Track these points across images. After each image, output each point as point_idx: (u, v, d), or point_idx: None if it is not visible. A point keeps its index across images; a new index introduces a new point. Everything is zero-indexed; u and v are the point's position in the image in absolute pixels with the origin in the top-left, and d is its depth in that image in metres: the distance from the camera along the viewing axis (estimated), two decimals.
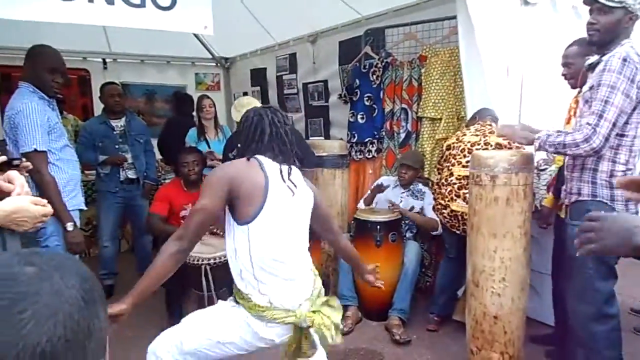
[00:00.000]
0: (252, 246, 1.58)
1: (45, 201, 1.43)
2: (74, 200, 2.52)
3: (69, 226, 2.38)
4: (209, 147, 4.06)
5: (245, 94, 5.91)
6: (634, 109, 1.91)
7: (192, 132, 4.22)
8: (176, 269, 1.54)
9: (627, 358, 2.13)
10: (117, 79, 5.09)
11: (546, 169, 2.89)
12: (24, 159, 1.66)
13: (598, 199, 1.98)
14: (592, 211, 1.96)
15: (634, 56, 1.88)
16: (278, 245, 1.61)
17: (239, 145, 1.71)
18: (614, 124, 1.88)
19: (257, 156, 1.66)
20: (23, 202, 1.35)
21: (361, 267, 2.10)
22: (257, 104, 3.28)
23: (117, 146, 3.73)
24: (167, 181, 4.28)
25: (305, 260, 1.74)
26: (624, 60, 1.86)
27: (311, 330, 1.66)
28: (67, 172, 2.48)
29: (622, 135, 1.94)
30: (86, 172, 4.17)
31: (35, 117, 2.26)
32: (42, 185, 2.30)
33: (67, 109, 4.68)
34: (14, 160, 1.59)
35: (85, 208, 2.64)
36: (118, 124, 3.77)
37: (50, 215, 1.43)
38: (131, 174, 3.79)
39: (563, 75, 2.55)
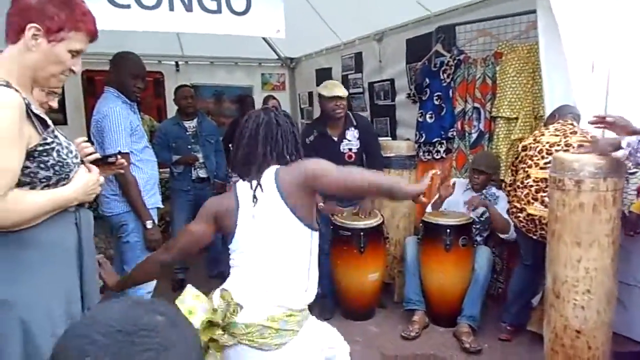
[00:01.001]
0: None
1: (91, 166, 1.48)
2: (153, 198, 2.64)
3: (149, 224, 2.50)
4: None
5: (310, 93, 5.97)
6: None
7: None
8: (157, 276, 1.72)
9: None
10: (188, 81, 5.31)
11: (636, 172, 2.66)
12: (119, 156, 1.76)
13: None
14: None
15: None
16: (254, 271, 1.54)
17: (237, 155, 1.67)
18: None
19: (236, 183, 1.64)
20: (83, 174, 1.41)
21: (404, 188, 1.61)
22: (341, 90, 3.30)
23: (189, 146, 3.90)
24: (233, 179, 4.40)
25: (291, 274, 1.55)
26: None
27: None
28: (146, 172, 2.60)
29: None
30: (161, 170, 4.36)
31: (120, 121, 2.40)
32: (125, 185, 2.44)
33: (143, 110, 4.91)
34: (109, 157, 1.71)
35: (162, 206, 2.77)
36: (190, 124, 3.94)
37: (102, 179, 1.49)
38: (202, 173, 3.95)
39: None
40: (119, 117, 2.40)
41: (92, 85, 4.94)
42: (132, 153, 2.50)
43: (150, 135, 4.48)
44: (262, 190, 1.53)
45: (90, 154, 1.56)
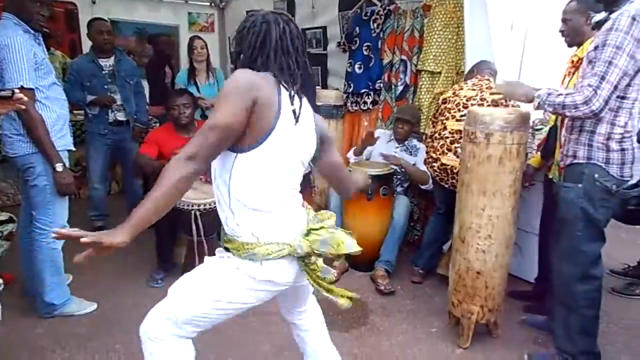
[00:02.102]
0: (233, 179, 1.37)
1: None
2: (63, 140, 2.47)
3: (59, 167, 2.35)
4: (198, 91, 3.96)
5: None
6: (638, 71, 1.86)
7: (182, 73, 4.13)
8: (183, 194, 1.27)
9: (603, 316, 2.21)
10: (105, 15, 4.88)
11: (541, 129, 2.87)
12: (17, 90, 1.57)
13: (593, 161, 1.97)
14: (586, 174, 1.98)
15: None
16: (265, 181, 1.37)
17: (240, 55, 1.41)
18: (616, 87, 1.83)
19: (273, 73, 1.37)
20: None
21: (347, 180, 1.78)
22: None
23: (105, 86, 3.63)
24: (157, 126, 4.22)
25: (295, 195, 1.51)
26: (633, 19, 1.78)
27: (313, 258, 1.47)
28: (55, 111, 2.41)
29: (623, 98, 1.89)
30: (75, 112, 4.08)
31: (22, 51, 2.17)
32: (29, 123, 2.25)
33: (54, 45, 4.49)
34: (1, 91, 1.52)
35: (74, 149, 2.60)
36: (107, 63, 3.65)
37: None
38: (120, 116, 3.72)
39: (560, 31, 2.47)
40: (21, 47, 2.17)
41: None
42: (37, 89, 2.29)
43: (64, 74, 4.15)
44: (303, 106, 1.42)
45: None
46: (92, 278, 2.97)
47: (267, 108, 1.30)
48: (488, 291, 2.40)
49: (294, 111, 1.36)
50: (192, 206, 2.81)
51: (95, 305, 2.70)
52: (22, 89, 2.16)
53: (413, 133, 3.46)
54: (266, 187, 1.38)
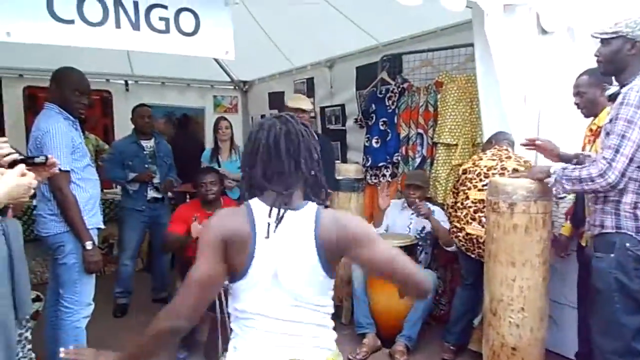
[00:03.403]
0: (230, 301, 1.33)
1: (26, 171, 1.39)
2: (94, 219, 2.55)
3: (88, 245, 2.41)
4: (219, 166, 4.14)
5: (262, 116, 6.01)
6: None
7: (207, 152, 4.37)
8: (165, 349, 1.26)
9: None
10: (138, 101, 5.20)
11: (565, 197, 2.85)
12: (50, 156, 1.63)
13: (623, 230, 1.94)
14: (617, 244, 1.94)
15: None
16: (255, 316, 1.27)
17: (246, 168, 1.34)
18: (631, 159, 1.85)
19: (249, 201, 1.30)
20: (8, 176, 1.33)
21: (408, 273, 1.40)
22: (306, 103, 3.35)
23: (146, 165, 3.87)
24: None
25: (304, 317, 1.30)
26: None
27: None
28: (88, 191, 2.52)
29: None
30: (105, 190, 4.25)
31: (61, 137, 2.33)
32: (63, 204, 2.34)
33: (88, 128, 4.79)
34: (35, 158, 1.56)
35: (103, 227, 2.68)
36: (148, 144, 3.93)
37: (34, 183, 1.40)
38: (156, 194, 3.91)
39: (576, 104, 2.55)
40: (59, 133, 2.33)
41: (34, 101, 4.77)
42: (72, 171, 2.41)
43: (96, 155, 4.40)
44: (290, 222, 1.26)
45: (9, 154, 1.47)
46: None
47: (240, 244, 1.23)
48: None
49: (268, 224, 1.23)
50: None
51: None
52: (59, 171, 2.28)
53: (426, 199, 3.46)
54: (259, 324, 1.26)
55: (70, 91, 2.44)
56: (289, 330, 1.27)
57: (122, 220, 3.98)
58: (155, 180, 3.87)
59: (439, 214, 3.34)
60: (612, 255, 1.95)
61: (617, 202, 1.95)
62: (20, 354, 1.92)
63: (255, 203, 1.28)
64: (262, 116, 6.00)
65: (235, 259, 1.23)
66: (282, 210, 1.24)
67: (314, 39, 4.41)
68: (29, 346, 1.98)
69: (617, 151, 1.86)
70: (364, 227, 1.32)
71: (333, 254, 1.26)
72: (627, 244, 1.92)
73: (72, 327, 2.46)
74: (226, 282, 1.29)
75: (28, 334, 1.99)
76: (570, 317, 2.77)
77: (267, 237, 1.22)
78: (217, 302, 2.79)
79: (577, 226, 2.68)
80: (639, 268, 1.92)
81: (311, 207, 1.30)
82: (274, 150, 1.26)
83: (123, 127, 4.67)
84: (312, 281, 1.27)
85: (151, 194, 3.89)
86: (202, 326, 3.13)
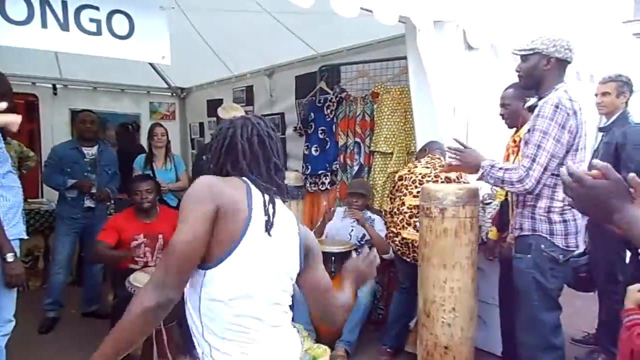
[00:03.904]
0: (203, 302, 1.16)
1: None
2: (15, 228, 2.38)
3: (9, 257, 2.24)
4: (154, 175, 4.01)
5: (201, 124, 5.92)
6: (568, 152, 2.05)
7: (140, 158, 4.21)
8: (153, 329, 1.10)
9: None
10: (67, 106, 4.98)
11: (490, 202, 3.03)
12: None
13: (537, 233, 2.09)
14: (533, 245, 2.09)
15: (566, 102, 2.01)
16: (240, 303, 1.16)
17: (210, 165, 1.29)
18: (546, 168, 2.01)
19: (245, 178, 1.24)
20: None
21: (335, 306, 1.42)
22: (239, 112, 3.29)
23: (85, 174, 3.70)
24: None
25: (280, 324, 1.25)
26: (556, 107, 1.99)
27: None
28: (8, 199, 2.35)
29: (558, 175, 2.07)
30: (29, 200, 4.01)
31: None
32: None
33: (11, 134, 4.49)
34: None
35: (26, 237, 2.51)
36: (90, 151, 3.76)
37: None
38: (90, 203, 3.74)
39: (500, 115, 2.72)
40: None
41: None
42: None
43: (19, 162, 4.12)
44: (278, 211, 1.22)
45: None
46: None
47: (233, 215, 1.14)
48: None
49: (267, 220, 1.18)
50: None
51: None
52: None
53: (366, 207, 3.56)
54: (239, 310, 1.16)
55: None
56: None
57: (56, 228, 3.80)
58: (93, 190, 3.71)
59: (378, 223, 3.44)
60: (529, 255, 2.10)
61: (533, 206, 2.11)
62: None
63: (250, 182, 1.23)
64: (201, 124, 5.91)
65: (224, 232, 1.13)
66: (275, 206, 1.21)
67: (254, 47, 4.42)
68: None
69: (533, 160, 2.01)
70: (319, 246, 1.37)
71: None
72: (542, 246, 2.08)
73: None
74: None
75: None
76: (496, 316, 2.93)
77: (267, 232, 1.18)
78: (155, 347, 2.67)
79: (501, 230, 2.85)
80: (554, 268, 2.08)
81: (289, 211, 1.32)
82: (248, 147, 1.25)
83: (50, 133, 4.43)
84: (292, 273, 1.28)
85: (87, 203, 3.73)
86: None
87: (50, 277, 3.82)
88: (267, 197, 1.21)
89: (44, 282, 4.52)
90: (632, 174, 0.87)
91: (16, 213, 2.41)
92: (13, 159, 4.03)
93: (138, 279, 2.85)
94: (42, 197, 4.88)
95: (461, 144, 2.39)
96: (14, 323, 2.40)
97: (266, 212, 1.18)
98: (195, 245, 1.11)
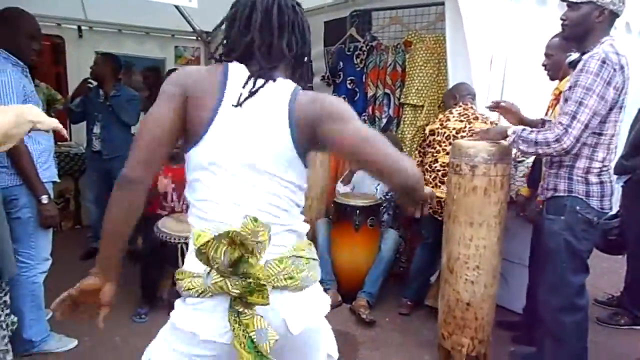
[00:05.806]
0: (187, 184, 1.21)
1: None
2: (48, 172, 2.44)
3: (44, 199, 2.32)
4: None
5: None
6: (611, 109, 1.94)
7: None
8: (136, 209, 1.13)
9: (591, 347, 2.22)
10: (92, 49, 4.93)
11: (523, 160, 2.95)
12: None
13: (574, 194, 2.03)
14: (568, 206, 2.04)
15: (613, 56, 1.88)
16: (207, 186, 1.16)
17: (225, 41, 1.24)
18: (587, 126, 1.91)
19: (228, 63, 1.20)
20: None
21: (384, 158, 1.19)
22: None
23: (95, 113, 3.80)
24: None
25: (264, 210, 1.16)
26: (603, 62, 1.87)
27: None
28: (40, 143, 2.39)
29: (600, 134, 1.97)
30: (59, 143, 4.07)
31: (12, 85, 2.17)
32: (14, 155, 2.22)
33: (39, 76, 4.50)
34: None
35: (58, 180, 2.57)
36: (103, 93, 3.78)
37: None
38: (97, 146, 3.84)
39: (543, 65, 2.59)
40: (10, 80, 2.17)
41: None
42: None
43: (48, 105, 4.15)
44: (265, 97, 1.15)
45: None
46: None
47: (203, 99, 1.14)
48: (478, 322, 2.40)
49: (241, 94, 1.14)
50: (179, 239, 2.78)
51: (76, 342, 2.60)
52: None
53: None
54: (207, 194, 1.16)
55: (22, 36, 2.27)
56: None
57: (87, 170, 4.09)
58: (96, 130, 3.79)
59: None
60: (562, 217, 2.05)
61: (571, 167, 2.03)
62: (2, 318, 1.87)
63: (235, 67, 1.18)
64: None
65: (193, 119, 1.14)
66: (261, 80, 1.15)
67: None
68: (7, 311, 1.92)
69: (573, 117, 1.91)
70: (340, 105, 1.17)
71: (304, 132, 1.14)
72: (577, 207, 2.02)
73: (29, 282, 2.40)
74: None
75: (7, 298, 1.93)
76: (519, 275, 2.92)
77: (237, 105, 1.13)
78: (180, 259, 2.79)
79: (534, 188, 2.78)
80: (587, 230, 2.03)
81: (291, 84, 1.19)
82: (264, 17, 1.17)
83: (77, 75, 4.42)
84: (282, 157, 1.15)
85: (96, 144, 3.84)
86: (163, 281, 3.12)
87: (89, 215, 4.10)
88: (259, 80, 1.15)
89: (75, 223, 4.69)
90: None
91: (48, 157, 2.47)
92: (42, 101, 4.07)
93: (167, 224, 2.92)
94: (70, 140, 4.97)
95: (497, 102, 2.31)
96: (50, 261, 2.51)
97: (243, 87, 1.15)
98: (159, 122, 1.13)
